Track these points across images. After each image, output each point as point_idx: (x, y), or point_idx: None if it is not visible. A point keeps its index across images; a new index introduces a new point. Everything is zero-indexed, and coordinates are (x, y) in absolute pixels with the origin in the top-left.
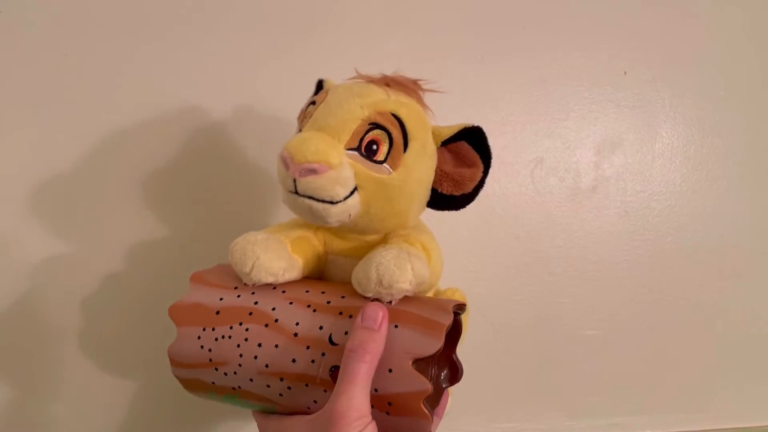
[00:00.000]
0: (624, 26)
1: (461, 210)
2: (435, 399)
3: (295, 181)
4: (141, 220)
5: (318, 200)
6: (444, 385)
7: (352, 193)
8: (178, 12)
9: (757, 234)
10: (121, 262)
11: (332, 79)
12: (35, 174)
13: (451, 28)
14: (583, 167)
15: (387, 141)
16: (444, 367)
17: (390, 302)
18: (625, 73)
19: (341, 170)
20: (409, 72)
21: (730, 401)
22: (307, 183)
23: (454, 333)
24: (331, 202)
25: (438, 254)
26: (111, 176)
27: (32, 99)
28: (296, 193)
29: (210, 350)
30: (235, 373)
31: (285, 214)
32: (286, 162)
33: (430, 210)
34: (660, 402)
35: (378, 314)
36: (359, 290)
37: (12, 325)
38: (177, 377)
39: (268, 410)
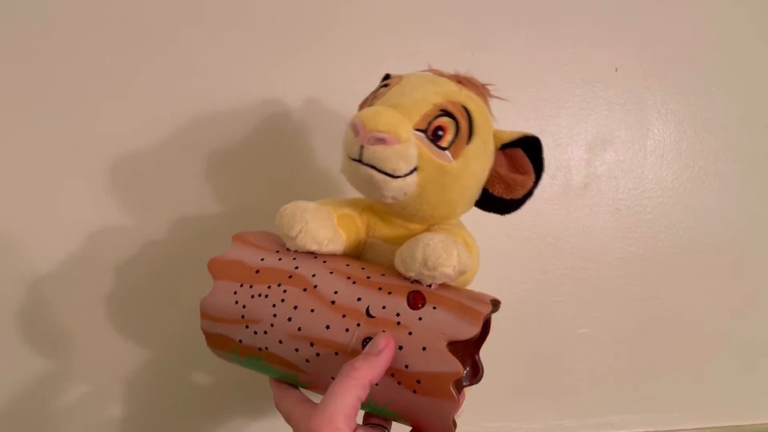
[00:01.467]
0: (615, 23)
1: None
2: (460, 383)
3: (362, 148)
4: (147, 218)
5: (380, 171)
6: (464, 383)
7: (412, 171)
8: (188, 9)
9: (749, 231)
10: (126, 261)
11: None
12: (37, 174)
13: (441, 24)
14: (574, 165)
15: (453, 129)
16: (466, 366)
17: (430, 286)
18: (616, 69)
19: (408, 146)
20: (398, 68)
21: (723, 399)
22: (374, 151)
23: (481, 334)
24: (392, 176)
25: (477, 252)
26: (113, 176)
27: (32, 98)
28: (360, 161)
29: (244, 306)
30: (265, 332)
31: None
32: (356, 128)
33: None
34: (653, 400)
35: (381, 343)
36: (402, 269)
37: (14, 325)
38: (204, 331)
39: (288, 378)
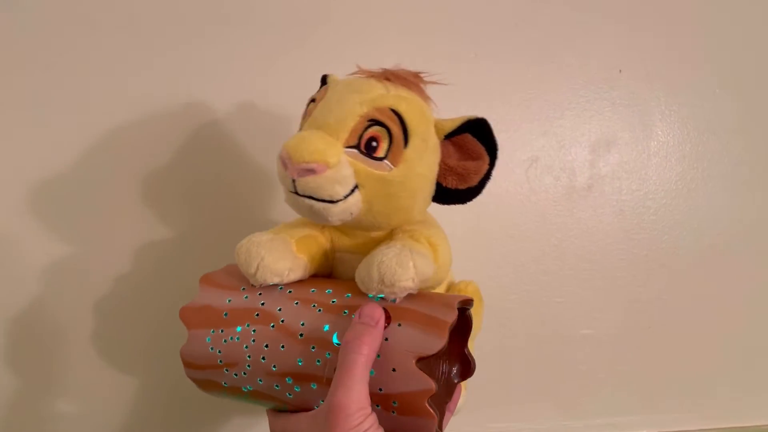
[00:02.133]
0: (619, 24)
1: (456, 209)
2: (447, 394)
3: (294, 181)
4: (145, 220)
5: (318, 200)
6: (456, 380)
7: (352, 191)
8: (178, 10)
9: (752, 232)
10: (124, 262)
11: (335, 74)
12: (37, 174)
13: (445, 26)
14: (578, 166)
15: (387, 137)
16: (455, 362)
17: (394, 300)
18: (620, 71)
19: (339, 169)
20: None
21: (726, 400)
22: (306, 183)
23: (464, 328)
24: (332, 201)
25: (445, 249)
26: (113, 176)
27: (33, 99)
28: (296, 193)
29: (220, 351)
30: (244, 374)
31: (291, 212)
32: (284, 162)
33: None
34: (656, 401)
35: (375, 312)
36: (363, 289)
37: (16, 327)
38: (190, 378)
39: (280, 409)
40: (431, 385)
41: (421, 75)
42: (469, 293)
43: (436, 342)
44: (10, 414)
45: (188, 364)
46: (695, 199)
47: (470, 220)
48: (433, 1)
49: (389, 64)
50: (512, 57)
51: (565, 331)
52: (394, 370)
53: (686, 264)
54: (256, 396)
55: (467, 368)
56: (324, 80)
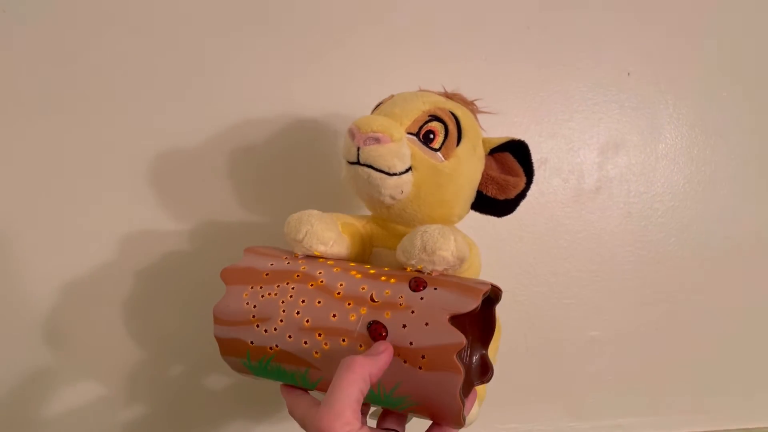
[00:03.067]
0: (628, 27)
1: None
2: (464, 394)
3: (358, 150)
4: (154, 218)
5: (377, 169)
6: (475, 382)
7: (407, 170)
8: (198, 13)
9: (761, 235)
10: (127, 260)
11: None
12: (46, 171)
13: (455, 29)
14: (586, 168)
15: (443, 132)
16: (473, 360)
17: (430, 273)
18: (629, 74)
19: (401, 145)
20: (412, 72)
21: (734, 402)
22: (369, 151)
23: (488, 329)
24: (388, 173)
25: (477, 251)
26: (119, 172)
27: (39, 97)
28: (357, 163)
29: (255, 306)
30: (275, 329)
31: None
32: (353, 133)
33: None
34: (664, 403)
35: (381, 347)
36: (403, 259)
37: (16, 327)
38: (217, 337)
39: (299, 377)
40: (462, 339)
41: (475, 103)
42: None
43: (470, 302)
44: (13, 413)
45: (219, 321)
46: (703, 202)
47: (479, 221)
48: (444, 4)
49: (402, 69)
50: (522, 59)
51: (573, 333)
52: (426, 324)
53: (694, 266)
54: (279, 358)
55: (485, 372)
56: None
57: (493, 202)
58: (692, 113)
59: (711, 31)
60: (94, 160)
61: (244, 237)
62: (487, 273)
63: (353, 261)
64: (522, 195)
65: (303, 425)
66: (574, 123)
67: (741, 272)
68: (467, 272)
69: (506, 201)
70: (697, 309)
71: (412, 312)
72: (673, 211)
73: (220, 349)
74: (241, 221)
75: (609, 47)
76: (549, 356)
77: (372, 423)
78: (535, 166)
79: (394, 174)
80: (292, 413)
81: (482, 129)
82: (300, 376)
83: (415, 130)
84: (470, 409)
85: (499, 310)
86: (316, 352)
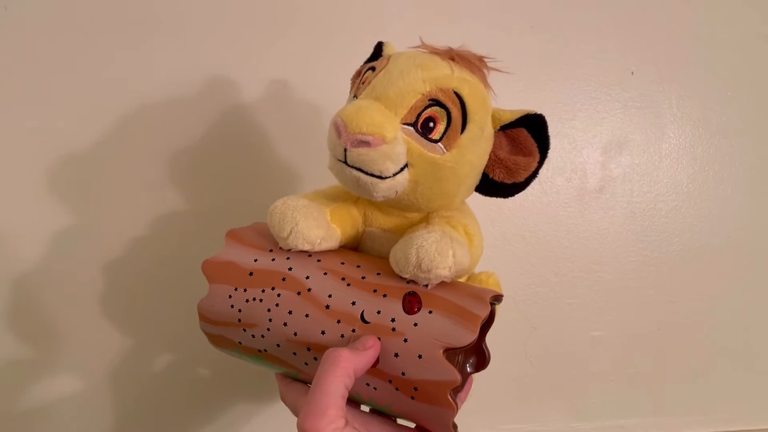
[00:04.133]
0: (631, 26)
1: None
2: (459, 386)
3: (345, 150)
4: (141, 210)
5: (367, 173)
6: (469, 370)
7: (402, 169)
8: (196, 10)
9: (764, 235)
10: (120, 255)
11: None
12: (49, 162)
13: (457, 27)
14: (589, 167)
15: (445, 119)
16: (471, 353)
17: (426, 286)
18: (632, 73)
19: (395, 145)
20: None
21: (737, 403)
22: (358, 154)
23: (486, 322)
24: (380, 177)
25: (479, 240)
26: (123, 164)
27: (40, 92)
28: (345, 162)
29: (240, 311)
30: (263, 336)
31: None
32: (339, 129)
33: None
34: (666, 404)
35: (368, 342)
36: (396, 270)
37: (7, 324)
38: (204, 332)
39: (291, 375)
40: (456, 377)
41: (485, 59)
42: (490, 285)
43: (467, 335)
44: (6, 411)
45: (205, 318)
46: (706, 202)
47: (481, 221)
48: (447, 3)
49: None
50: (525, 58)
51: (576, 333)
52: (420, 356)
53: (697, 266)
54: (269, 359)
55: (482, 361)
56: (378, 48)
57: (499, 185)
58: (696, 112)
59: (715, 30)
60: (92, 159)
61: (229, 221)
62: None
63: (343, 251)
64: (533, 176)
65: (295, 411)
66: (577, 122)
67: (744, 272)
68: (470, 265)
69: (514, 183)
70: (701, 309)
71: (405, 340)
72: (676, 211)
73: (209, 340)
74: (226, 207)
75: (612, 46)
76: (551, 356)
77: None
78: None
79: (387, 177)
80: (284, 399)
81: (492, 91)
82: (292, 374)
83: (412, 119)
84: (465, 398)
85: (502, 310)
86: (306, 363)
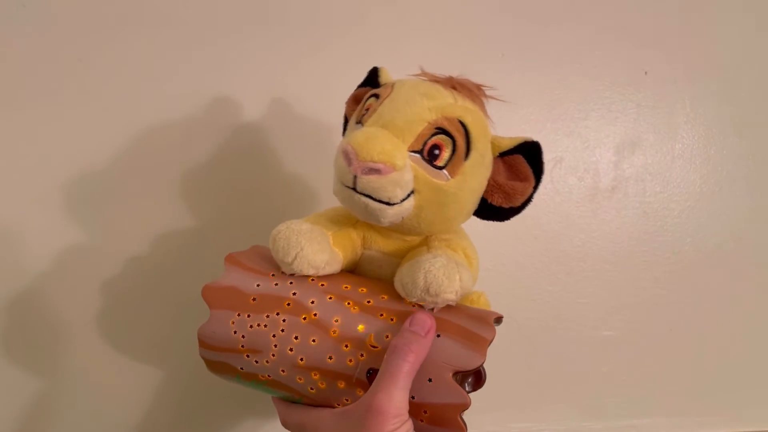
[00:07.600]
0: (645, 26)
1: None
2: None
3: (355, 177)
4: (146, 217)
5: (376, 200)
6: (468, 390)
7: (408, 195)
8: (208, 9)
9: None
10: (137, 257)
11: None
12: (61, 167)
13: (473, 25)
14: (602, 167)
15: (450, 147)
16: (469, 374)
17: (432, 309)
18: (645, 73)
19: (404, 173)
20: (431, 69)
21: (748, 404)
22: (368, 182)
23: None
24: (389, 203)
25: (477, 262)
26: (135, 170)
27: (56, 93)
28: (354, 189)
29: (243, 336)
30: (267, 362)
31: (311, 208)
32: (349, 157)
33: None
34: (677, 404)
35: (427, 322)
36: (402, 294)
37: (26, 319)
38: (203, 358)
39: (293, 400)
40: (466, 399)
41: (483, 88)
42: (481, 305)
43: (476, 358)
44: (8, 411)
45: (205, 345)
46: (719, 202)
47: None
48: (462, 1)
49: (418, 63)
50: (539, 57)
51: (587, 332)
52: (430, 380)
53: (709, 267)
54: (271, 385)
55: (478, 380)
56: (374, 74)
57: (496, 210)
58: (709, 113)
59: (729, 30)
60: (90, 159)
61: (240, 233)
62: (501, 272)
63: (345, 274)
64: (528, 200)
65: (303, 430)
66: (590, 122)
67: (758, 273)
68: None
69: (510, 208)
70: (713, 310)
71: None
72: (689, 211)
73: (207, 366)
74: (236, 216)
75: (626, 46)
76: (563, 355)
77: None
78: (551, 165)
79: (395, 203)
80: (286, 424)
81: (490, 120)
82: (294, 399)
83: (419, 147)
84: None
85: (514, 310)
86: (312, 389)
